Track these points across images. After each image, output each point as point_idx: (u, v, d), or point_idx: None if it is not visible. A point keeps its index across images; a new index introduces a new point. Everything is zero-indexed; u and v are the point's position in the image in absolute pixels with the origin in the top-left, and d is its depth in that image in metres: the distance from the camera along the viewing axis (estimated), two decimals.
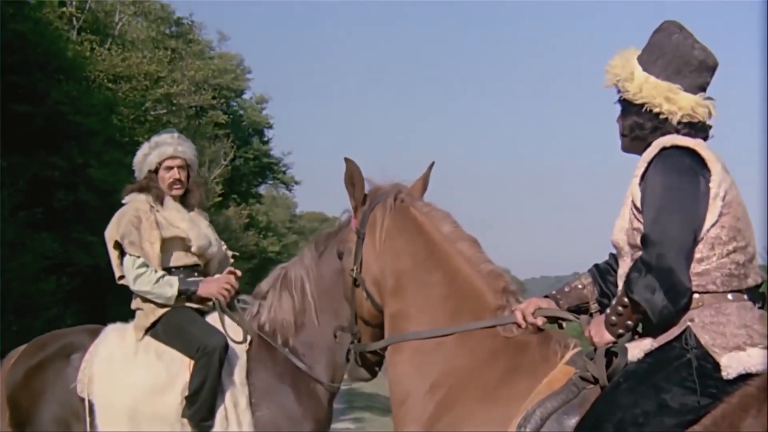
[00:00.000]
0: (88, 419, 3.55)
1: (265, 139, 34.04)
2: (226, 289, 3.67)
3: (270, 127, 34.12)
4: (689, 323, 2.07)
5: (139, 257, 3.63)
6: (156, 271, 3.65)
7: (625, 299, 2.10)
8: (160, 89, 16.92)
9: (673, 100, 2.17)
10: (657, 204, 2.06)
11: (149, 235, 3.68)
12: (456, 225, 2.59)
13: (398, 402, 2.50)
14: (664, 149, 2.12)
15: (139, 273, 3.63)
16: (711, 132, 2.25)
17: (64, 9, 15.18)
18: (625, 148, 2.30)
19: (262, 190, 35.76)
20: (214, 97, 22.83)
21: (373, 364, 2.81)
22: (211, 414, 3.46)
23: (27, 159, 11.24)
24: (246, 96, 32.44)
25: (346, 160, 2.65)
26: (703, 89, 2.21)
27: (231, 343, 3.56)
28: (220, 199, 22.45)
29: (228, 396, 3.48)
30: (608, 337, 2.16)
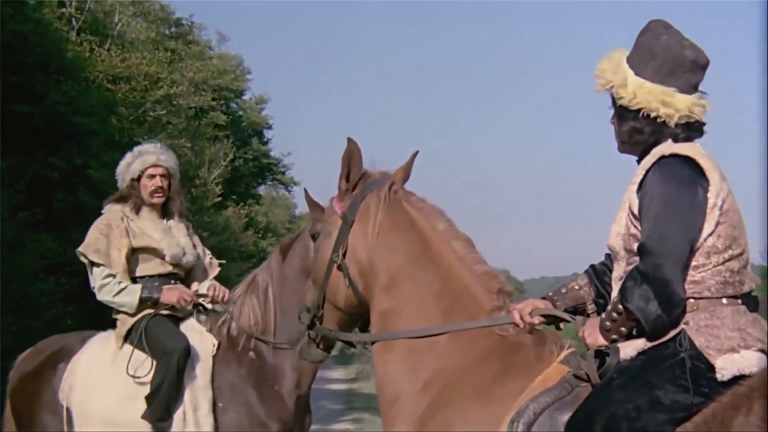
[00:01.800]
0: (66, 428, 3.62)
1: (265, 139, 34.09)
2: (185, 298, 3.76)
3: (269, 127, 34.21)
4: (683, 326, 2.10)
5: (104, 267, 3.73)
6: (120, 282, 3.74)
7: (620, 306, 2.14)
8: (160, 90, 16.86)
9: (669, 103, 2.17)
10: (654, 213, 2.08)
11: (118, 243, 3.79)
12: (450, 223, 2.59)
13: (389, 401, 2.49)
14: (662, 158, 2.14)
15: (103, 284, 3.74)
16: (705, 128, 2.25)
17: (64, 9, 15.22)
18: (624, 151, 2.32)
19: (261, 190, 35.77)
20: (213, 98, 22.85)
21: (327, 346, 2.85)
22: (167, 414, 3.51)
23: (27, 159, 11.27)
24: (246, 97, 32.50)
25: (349, 140, 2.60)
26: (696, 88, 2.22)
27: (197, 347, 3.65)
28: (219, 199, 22.45)
29: (188, 397, 3.54)
30: (601, 341, 2.20)
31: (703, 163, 2.12)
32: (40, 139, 11.57)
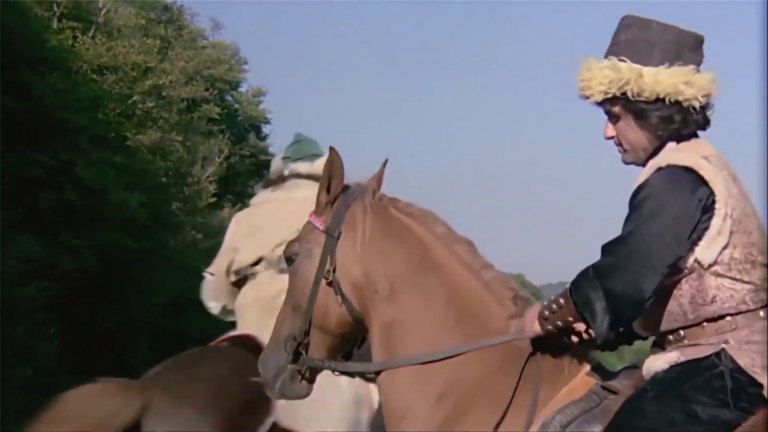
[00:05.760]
0: None
1: (263, 135, 34.11)
2: None
3: (268, 122, 34.14)
4: (724, 345, 2.12)
5: None
6: None
7: (562, 299, 2.22)
8: (149, 81, 16.99)
9: (692, 83, 2.19)
10: (634, 217, 2.14)
11: None
12: (448, 226, 2.62)
13: (397, 417, 2.48)
14: (659, 169, 2.17)
15: None
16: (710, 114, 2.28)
17: None
18: (640, 158, 2.30)
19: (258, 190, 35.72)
20: (207, 90, 22.89)
21: (311, 378, 2.70)
22: None
23: (9, 156, 11.42)
24: (242, 89, 32.46)
25: (331, 149, 2.60)
26: (699, 65, 2.26)
27: None
28: (214, 199, 22.53)
29: None
30: (536, 328, 2.28)
31: (704, 171, 2.14)
32: (23, 134, 11.74)
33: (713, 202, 2.13)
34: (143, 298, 14.60)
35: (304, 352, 2.60)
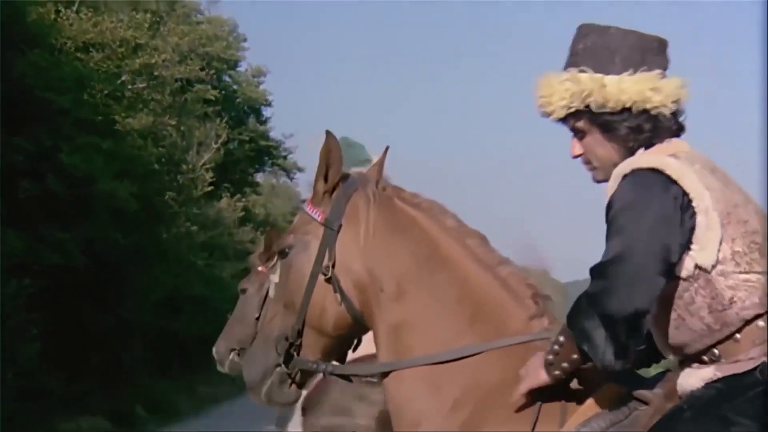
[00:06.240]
0: None
1: (263, 118, 34.19)
2: None
3: (268, 104, 34.28)
4: (765, 358, 2.08)
5: None
6: None
7: (561, 337, 2.18)
8: (139, 59, 16.95)
9: (659, 88, 2.21)
10: (613, 232, 2.13)
11: None
12: (458, 219, 2.60)
13: (409, 425, 2.47)
14: (624, 177, 2.17)
15: None
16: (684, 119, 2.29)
17: None
18: (607, 176, 2.28)
19: (259, 178, 35.90)
20: (202, 69, 22.92)
21: (302, 384, 2.73)
22: None
23: None
24: (240, 68, 32.59)
25: (328, 134, 2.60)
26: (665, 70, 2.27)
27: None
28: (210, 188, 22.57)
29: None
30: (543, 378, 2.23)
31: (671, 170, 2.13)
32: (1, 118, 11.64)
33: (689, 199, 2.12)
34: (134, 297, 14.63)
35: (295, 354, 2.61)
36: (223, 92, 28.34)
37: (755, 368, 2.07)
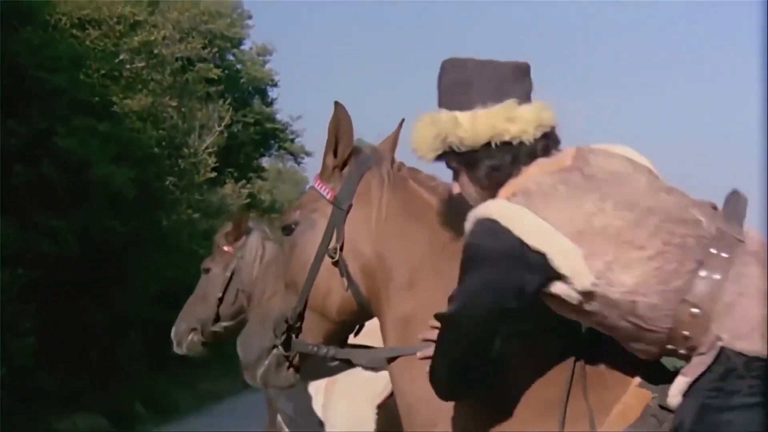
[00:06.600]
0: None
1: (269, 99, 34.18)
2: None
3: (275, 84, 34.22)
4: (720, 342, 2.06)
5: None
6: None
7: None
8: (138, 37, 16.93)
9: (515, 118, 2.24)
10: (458, 280, 2.23)
11: None
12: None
13: (424, 425, 2.47)
14: (474, 221, 2.22)
15: None
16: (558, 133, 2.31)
17: None
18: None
19: (265, 162, 35.92)
20: (204, 47, 22.84)
21: (299, 368, 2.76)
22: None
23: None
24: (245, 46, 32.54)
25: (336, 105, 2.59)
26: (530, 96, 2.30)
27: None
28: (213, 174, 22.60)
29: None
30: None
31: (507, 221, 2.14)
32: None
33: (526, 244, 2.12)
34: (132, 287, 14.62)
35: (294, 337, 2.64)
36: (227, 72, 28.30)
37: (716, 357, 2.06)
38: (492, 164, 2.27)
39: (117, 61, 16.53)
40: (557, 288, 2.14)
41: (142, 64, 17.61)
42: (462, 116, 2.25)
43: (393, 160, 2.68)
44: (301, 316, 2.62)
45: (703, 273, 2.08)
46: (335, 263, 2.56)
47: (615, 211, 2.14)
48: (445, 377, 2.27)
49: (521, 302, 2.16)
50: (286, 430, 4.35)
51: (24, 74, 12.21)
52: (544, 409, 2.30)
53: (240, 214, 5.27)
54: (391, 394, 3.59)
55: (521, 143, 2.25)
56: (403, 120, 2.80)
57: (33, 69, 12.32)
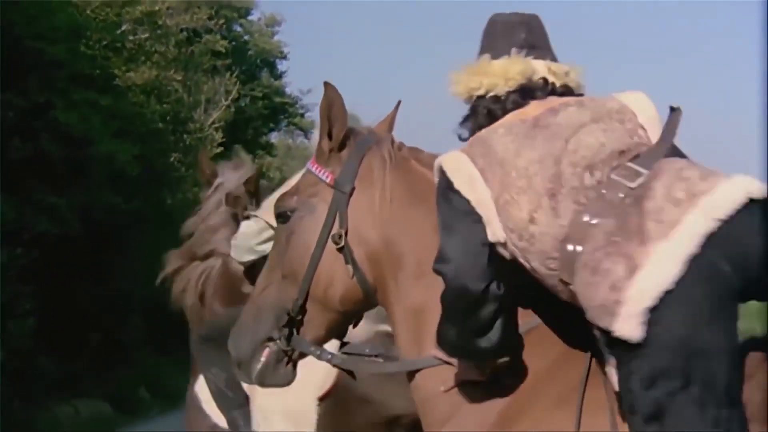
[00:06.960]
0: None
1: (278, 72, 34.13)
2: None
3: (284, 57, 34.17)
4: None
5: None
6: None
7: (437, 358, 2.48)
8: (141, 7, 16.90)
9: (487, 73, 2.43)
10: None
11: None
12: None
13: (440, 420, 2.48)
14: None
15: None
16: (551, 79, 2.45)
17: None
18: None
19: (273, 138, 35.93)
20: (210, 18, 22.85)
21: (295, 366, 2.73)
22: None
23: None
24: (252, 17, 32.48)
25: (326, 85, 2.59)
26: (523, 46, 2.46)
27: None
28: (220, 149, 22.60)
29: None
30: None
31: (450, 172, 2.29)
32: None
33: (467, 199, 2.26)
34: (135, 268, 14.62)
35: (295, 331, 2.62)
36: (234, 43, 28.29)
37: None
38: (474, 117, 2.48)
39: (119, 32, 16.53)
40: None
41: (146, 35, 17.61)
42: (457, 76, 2.51)
43: (393, 140, 2.68)
44: (303, 308, 2.60)
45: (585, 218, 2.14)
46: (340, 249, 2.54)
47: (535, 163, 2.24)
48: (455, 337, 2.33)
49: (493, 252, 2.27)
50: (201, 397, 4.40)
51: (21, 45, 12.20)
52: (559, 399, 2.31)
53: (203, 155, 5.46)
54: (334, 387, 3.59)
55: (496, 97, 2.43)
56: (399, 102, 2.84)
57: (30, 40, 12.31)
